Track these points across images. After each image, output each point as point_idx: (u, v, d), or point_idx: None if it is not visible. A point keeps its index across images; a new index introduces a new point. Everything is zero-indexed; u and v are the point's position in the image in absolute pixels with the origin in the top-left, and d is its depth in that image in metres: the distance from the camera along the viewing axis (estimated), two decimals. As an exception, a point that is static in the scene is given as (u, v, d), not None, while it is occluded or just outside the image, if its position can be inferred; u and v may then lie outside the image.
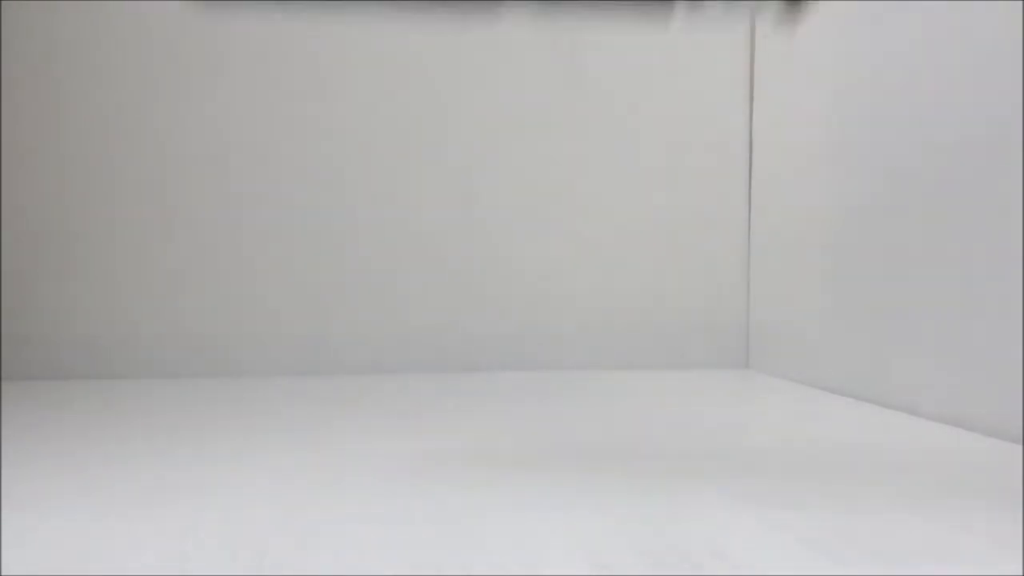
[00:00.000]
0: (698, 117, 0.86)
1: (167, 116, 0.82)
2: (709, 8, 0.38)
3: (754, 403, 0.73)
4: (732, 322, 0.86)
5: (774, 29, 0.77)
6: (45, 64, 0.80)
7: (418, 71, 0.85)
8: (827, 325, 0.74)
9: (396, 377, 0.78)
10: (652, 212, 0.85)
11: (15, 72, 0.79)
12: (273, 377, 0.79)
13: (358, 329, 0.83)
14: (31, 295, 0.80)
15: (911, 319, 0.61)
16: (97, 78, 0.80)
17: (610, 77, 0.86)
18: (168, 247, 0.81)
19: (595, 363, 0.84)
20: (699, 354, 0.85)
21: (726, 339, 0.86)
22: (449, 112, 0.85)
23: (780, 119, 0.81)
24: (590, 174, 0.85)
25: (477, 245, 0.84)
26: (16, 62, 0.79)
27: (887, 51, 0.64)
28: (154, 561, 0.28)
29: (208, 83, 0.82)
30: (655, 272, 0.85)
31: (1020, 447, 0.47)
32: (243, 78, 0.83)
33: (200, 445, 0.49)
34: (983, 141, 0.53)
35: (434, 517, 0.34)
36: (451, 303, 0.83)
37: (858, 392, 0.67)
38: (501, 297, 0.84)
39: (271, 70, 0.83)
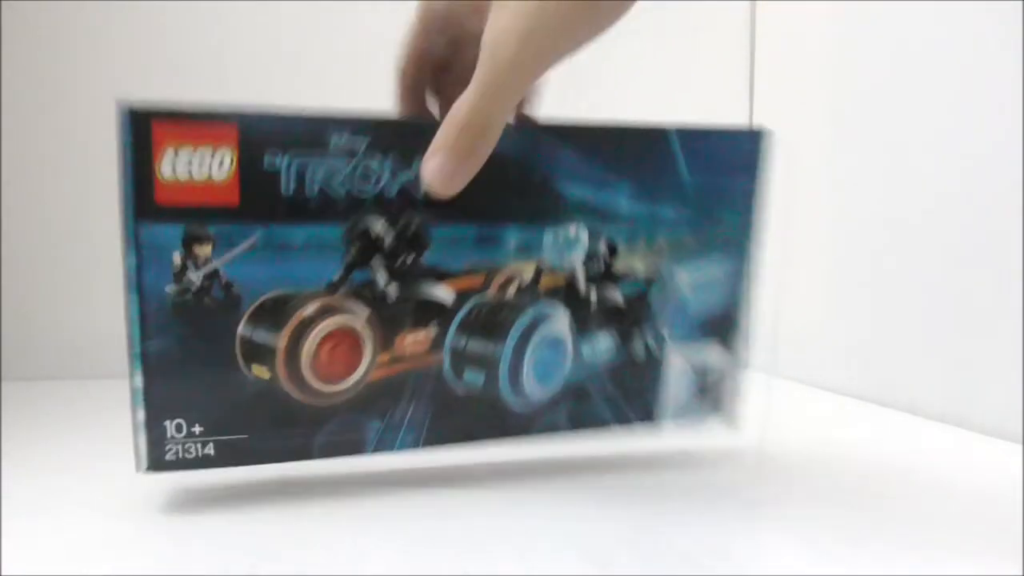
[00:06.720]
0: (697, 116, 0.86)
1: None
2: None
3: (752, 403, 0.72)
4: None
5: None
6: (46, 65, 0.80)
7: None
8: (827, 325, 0.74)
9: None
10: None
11: (16, 72, 0.79)
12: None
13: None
14: (30, 296, 0.79)
15: (911, 320, 0.61)
16: (99, 79, 0.80)
17: (609, 77, 0.86)
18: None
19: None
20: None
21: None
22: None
23: (780, 119, 0.81)
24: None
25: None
26: (16, 63, 0.79)
27: (888, 50, 0.64)
28: (154, 563, 0.28)
29: (207, 83, 0.82)
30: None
31: (1020, 447, 0.47)
32: (242, 79, 0.83)
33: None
34: (986, 139, 0.53)
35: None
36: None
37: (858, 392, 0.67)
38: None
39: (269, 71, 0.83)
